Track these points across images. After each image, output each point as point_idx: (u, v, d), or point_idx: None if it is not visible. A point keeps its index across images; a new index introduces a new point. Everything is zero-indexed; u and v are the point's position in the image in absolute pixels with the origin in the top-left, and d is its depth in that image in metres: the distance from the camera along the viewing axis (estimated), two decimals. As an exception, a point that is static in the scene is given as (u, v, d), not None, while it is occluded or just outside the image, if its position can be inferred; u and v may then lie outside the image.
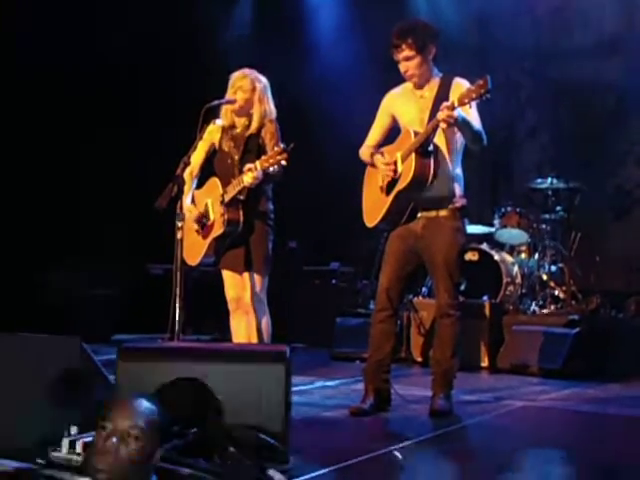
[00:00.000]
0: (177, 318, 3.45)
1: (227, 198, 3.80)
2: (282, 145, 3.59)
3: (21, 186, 6.33)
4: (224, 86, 3.98)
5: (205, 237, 3.95)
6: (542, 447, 3.14)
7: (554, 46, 7.71)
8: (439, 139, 3.57)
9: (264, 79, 3.97)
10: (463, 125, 3.43)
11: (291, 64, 7.39)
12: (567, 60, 7.59)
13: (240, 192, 3.76)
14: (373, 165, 3.75)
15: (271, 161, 3.57)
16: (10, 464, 2.30)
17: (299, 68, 7.61)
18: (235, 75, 3.95)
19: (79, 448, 2.32)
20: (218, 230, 3.85)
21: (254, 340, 3.89)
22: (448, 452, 3.02)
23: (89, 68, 6.68)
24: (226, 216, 3.80)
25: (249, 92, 3.89)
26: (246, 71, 3.96)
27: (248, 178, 3.66)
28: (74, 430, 2.40)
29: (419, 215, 3.65)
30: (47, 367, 2.67)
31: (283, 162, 3.55)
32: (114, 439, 1.89)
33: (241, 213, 3.82)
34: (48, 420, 2.50)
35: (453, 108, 3.31)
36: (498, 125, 7.66)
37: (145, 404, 1.98)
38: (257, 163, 3.63)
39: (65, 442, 2.35)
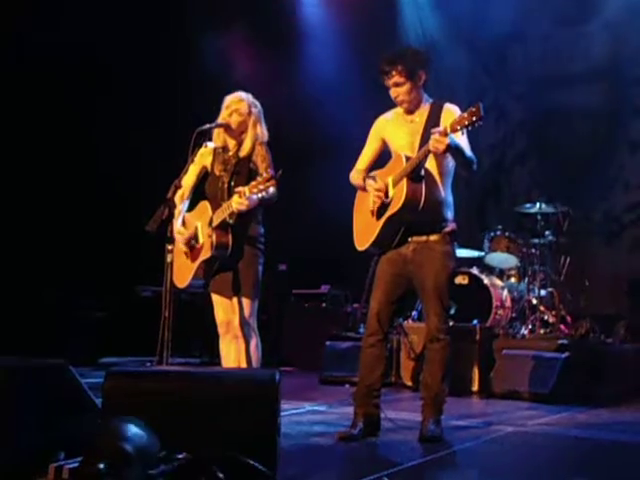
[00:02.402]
0: (166, 341, 3.44)
1: (216, 222, 3.80)
2: (271, 172, 3.60)
3: (7, 207, 6.31)
4: (216, 109, 4.00)
5: (194, 260, 3.94)
6: (532, 473, 3.13)
7: (543, 71, 7.81)
8: (430, 163, 3.59)
9: (259, 104, 4.00)
10: (455, 151, 3.46)
11: (284, 87, 7.44)
12: (556, 85, 7.69)
13: (230, 216, 3.76)
14: (364, 189, 3.76)
15: (260, 187, 3.57)
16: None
17: (291, 90, 7.65)
18: (231, 97, 3.97)
19: (65, 474, 2.29)
20: (206, 253, 3.84)
21: (243, 364, 3.87)
22: (438, 478, 3.00)
23: (78, 91, 6.70)
24: (215, 240, 3.79)
25: (245, 115, 3.91)
26: (242, 94, 3.98)
27: (236, 204, 3.66)
28: (61, 456, 2.37)
29: (410, 239, 3.66)
30: (34, 391, 2.64)
31: (272, 189, 3.57)
32: (101, 465, 1.87)
33: (230, 237, 3.81)
34: (34, 445, 2.46)
35: (446, 134, 3.33)
36: (487, 149, 7.74)
37: (132, 429, 1.96)
38: (246, 189, 3.63)
39: (51, 468, 2.32)
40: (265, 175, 3.57)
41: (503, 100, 8.00)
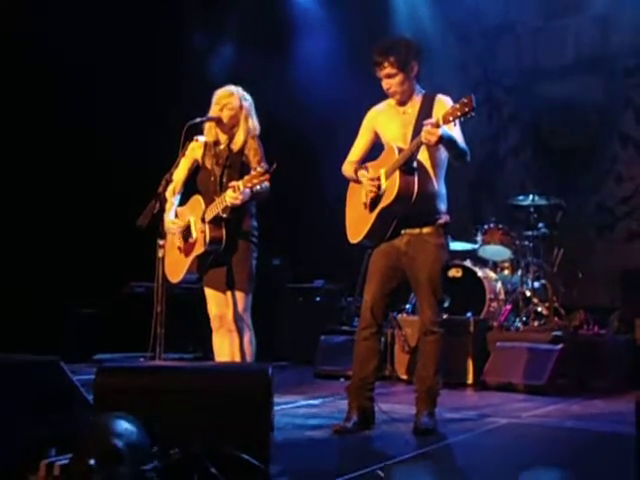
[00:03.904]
0: (159, 336, 3.42)
1: (210, 216, 3.78)
2: (265, 166, 3.58)
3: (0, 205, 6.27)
4: (207, 103, 3.97)
5: (187, 255, 3.92)
6: (526, 464, 3.12)
7: (535, 64, 7.81)
8: (422, 155, 3.57)
9: (249, 97, 3.98)
10: (448, 142, 3.44)
11: (278, 81, 7.41)
12: (548, 78, 7.69)
13: (223, 210, 3.74)
14: (356, 181, 3.75)
15: (254, 181, 3.56)
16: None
17: (286, 85, 7.62)
18: (221, 92, 3.94)
19: (57, 471, 2.28)
20: (200, 248, 3.83)
21: (237, 359, 3.86)
22: (432, 470, 2.99)
23: (70, 87, 6.65)
24: (208, 234, 3.77)
25: (236, 109, 3.89)
26: (232, 88, 3.96)
27: (230, 197, 3.64)
28: (52, 452, 2.35)
29: (403, 232, 3.65)
30: (26, 388, 2.62)
31: (266, 183, 3.55)
32: (91, 461, 1.85)
33: (224, 231, 3.80)
34: (26, 442, 2.45)
35: (438, 126, 3.31)
36: (480, 142, 7.73)
37: (123, 425, 1.94)
38: (240, 183, 3.61)
39: (43, 465, 2.30)
40: (259, 169, 3.56)
41: (495, 93, 7.99)
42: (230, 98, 3.90)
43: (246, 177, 3.61)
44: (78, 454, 1.85)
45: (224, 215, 3.76)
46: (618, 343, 5.96)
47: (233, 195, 3.62)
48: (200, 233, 3.81)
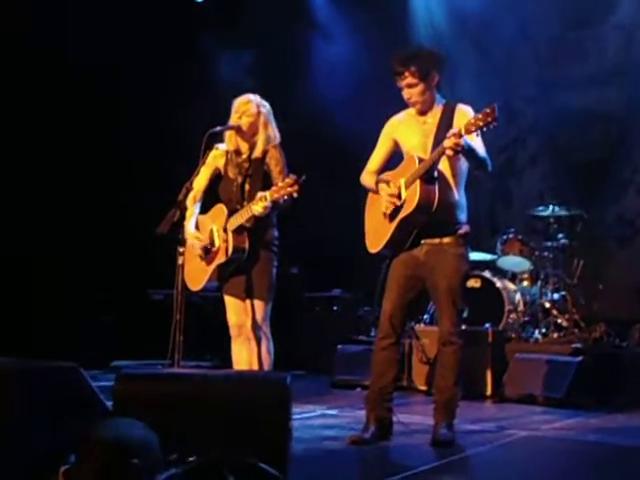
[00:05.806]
0: (177, 344, 3.43)
1: (233, 226, 3.79)
2: (294, 176, 3.58)
3: (20, 210, 6.32)
4: (227, 112, 4.00)
5: (209, 263, 3.93)
6: (545, 478, 3.09)
7: (555, 74, 7.76)
8: (443, 165, 3.56)
9: (267, 104, 3.99)
10: (469, 152, 3.43)
11: (296, 87, 7.42)
12: (568, 88, 7.64)
13: (247, 220, 3.75)
14: (376, 192, 3.74)
15: (282, 192, 3.56)
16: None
17: (304, 91, 7.63)
18: (239, 100, 3.97)
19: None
20: (222, 257, 3.83)
21: (255, 367, 3.86)
22: (451, 483, 2.97)
23: (87, 95, 6.71)
24: (232, 243, 3.78)
25: (254, 116, 3.91)
26: (250, 96, 3.99)
27: (258, 207, 3.64)
28: (71, 459, 2.36)
29: (422, 242, 3.63)
30: (45, 393, 2.63)
31: (294, 194, 3.55)
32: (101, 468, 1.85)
33: (247, 241, 3.81)
34: (45, 447, 2.45)
35: (460, 136, 3.30)
36: (498, 151, 7.68)
37: (142, 432, 1.94)
38: (267, 194, 3.61)
39: (61, 471, 2.31)
40: (288, 180, 3.56)
41: (514, 102, 7.95)
42: (248, 105, 3.93)
43: (274, 188, 3.61)
44: (87, 461, 1.85)
45: (248, 225, 3.77)
46: (639, 356, 5.88)
47: (262, 205, 3.62)
48: (223, 242, 3.82)
